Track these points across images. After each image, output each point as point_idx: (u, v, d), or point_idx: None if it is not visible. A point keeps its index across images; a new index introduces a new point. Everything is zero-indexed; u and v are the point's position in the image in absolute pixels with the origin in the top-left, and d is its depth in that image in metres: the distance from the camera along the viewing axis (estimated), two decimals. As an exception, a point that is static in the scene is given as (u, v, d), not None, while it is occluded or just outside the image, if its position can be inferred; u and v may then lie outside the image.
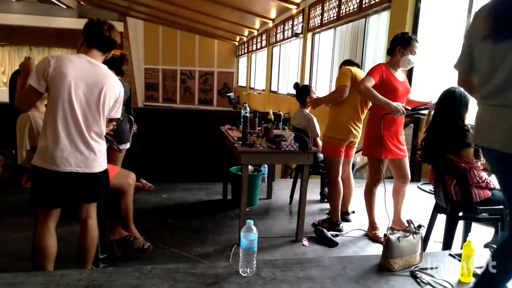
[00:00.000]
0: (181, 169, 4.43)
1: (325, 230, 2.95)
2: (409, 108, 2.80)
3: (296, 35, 9.07)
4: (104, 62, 3.40)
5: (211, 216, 3.40)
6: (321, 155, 3.36)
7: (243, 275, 1.44)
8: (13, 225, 2.98)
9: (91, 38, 2.04)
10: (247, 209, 3.04)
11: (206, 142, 4.35)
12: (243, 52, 15.89)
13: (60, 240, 2.64)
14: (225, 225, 3.22)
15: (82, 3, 15.28)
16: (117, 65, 3.32)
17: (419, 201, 3.87)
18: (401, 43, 2.78)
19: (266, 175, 4.09)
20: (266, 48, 12.27)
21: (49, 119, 1.87)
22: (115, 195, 2.45)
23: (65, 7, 14.59)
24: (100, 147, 1.99)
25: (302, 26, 8.89)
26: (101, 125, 1.99)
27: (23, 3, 14.72)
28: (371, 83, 2.71)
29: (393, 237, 1.52)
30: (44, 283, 1.33)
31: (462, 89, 2.41)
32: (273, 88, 11.74)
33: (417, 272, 1.48)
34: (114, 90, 2.04)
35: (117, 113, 2.11)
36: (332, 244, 2.82)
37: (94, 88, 1.94)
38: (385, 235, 1.58)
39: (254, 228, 1.45)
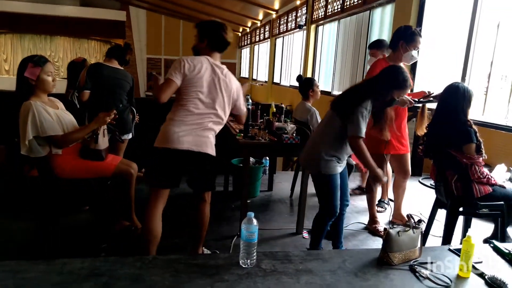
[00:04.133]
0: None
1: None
2: (417, 99, 2.78)
3: (300, 26, 9.00)
4: (108, 51, 3.39)
5: (212, 207, 3.39)
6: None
7: (244, 266, 1.45)
8: (16, 214, 3.01)
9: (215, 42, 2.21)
10: (248, 201, 3.05)
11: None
12: (246, 43, 15.80)
13: (61, 229, 2.68)
14: (226, 216, 3.23)
15: (85, -9, 15.17)
16: (122, 54, 3.31)
17: (419, 196, 3.88)
18: (404, 38, 2.75)
19: (267, 168, 4.10)
20: (269, 40, 12.19)
21: None
22: (116, 185, 2.47)
23: (68, -5, 14.51)
24: None
25: (306, 18, 8.82)
26: None
27: (26, -10, 14.62)
28: None
29: (393, 231, 1.53)
30: (46, 271, 1.34)
31: (465, 84, 2.40)
32: (276, 80, 11.69)
33: (416, 266, 1.49)
34: None
35: None
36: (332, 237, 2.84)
37: None
38: (385, 229, 1.59)
39: (254, 220, 1.46)
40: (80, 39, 16.38)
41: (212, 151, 2.21)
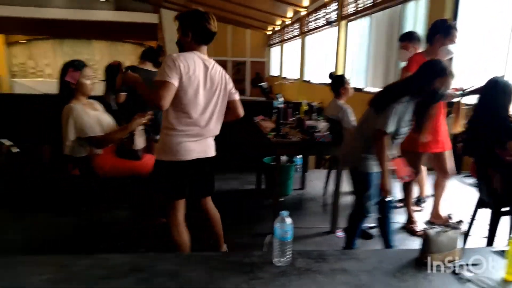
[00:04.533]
0: (215, 159, 4.51)
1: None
2: (464, 88, 2.68)
3: (330, 23, 8.86)
4: (142, 54, 3.49)
5: (245, 205, 3.45)
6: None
7: (278, 264, 1.45)
8: (59, 210, 3.17)
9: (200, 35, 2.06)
10: (281, 200, 3.06)
11: (239, 132, 4.39)
12: (275, 42, 15.77)
13: (102, 225, 2.79)
14: (259, 214, 3.26)
15: (118, -5, 15.69)
16: (155, 57, 3.40)
17: (460, 195, 3.73)
18: (441, 32, 2.66)
19: (299, 166, 4.08)
20: (299, 37, 12.10)
21: None
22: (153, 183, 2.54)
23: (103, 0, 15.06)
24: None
25: (336, 14, 8.68)
26: None
27: (64, -3, 15.31)
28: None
29: (432, 232, 1.48)
30: (90, 265, 1.40)
31: (505, 79, 2.29)
32: (306, 78, 11.59)
33: (457, 268, 1.44)
34: None
35: None
36: (367, 236, 2.79)
37: None
38: (423, 229, 1.54)
39: (288, 219, 1.46)
40: (115, 42, 16.99)
41: (214, 151, 2.21)
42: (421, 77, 2.10)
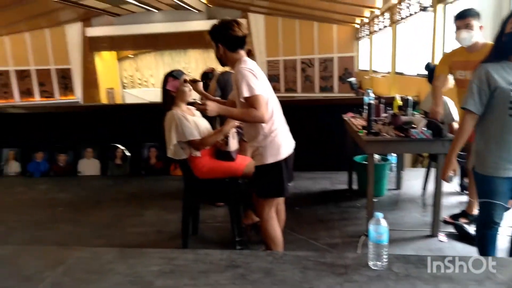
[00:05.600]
0: (304, 158, 4.51)
1: (466, 226, 2.65)
2: None
3: (424, 9, 8.18)
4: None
5: (336, 205, 3.39)
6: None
7: (373, 268, 1.40)
8: (166, 207, 3.50)
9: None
10: (374, 200, 2.93)
11: (328, 131, 4.32)
12: (364, 34, 15.12)
13: (201, 222, 3.01)
14: (351, 215, 3.17)
15: (209, 5, 16.65)
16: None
17: None
18: None
19: (394, 164, 3.87)
20: (389, 27, 11.41)
21: None
22: (247, 183, 2.65)
23: (196, 11, 16.13)
24: None
25: (432, -2, 7.97)
26: None
27: (163, 12, 16.80)
28: None
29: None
30: (193, 260, 1.53)
31: None
32: (399, 70, 10.88)
33: None
34: None
35: None
36: (474, 241, 2.52)
37: None
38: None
39: (384, 221, 1.40)
40: (208, 49, 18.09)
41: None
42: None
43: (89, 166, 4.86)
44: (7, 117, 5.24)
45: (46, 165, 4.90)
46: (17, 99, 16.44)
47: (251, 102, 1.96)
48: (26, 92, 16.54)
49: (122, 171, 4.79)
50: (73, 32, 16.64)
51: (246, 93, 1.95)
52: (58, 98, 16.89)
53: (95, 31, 16.96)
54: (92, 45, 17.07)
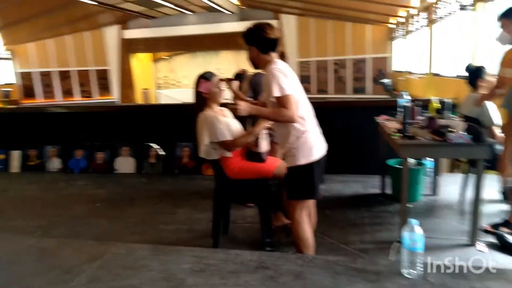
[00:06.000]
0: (336, 161, 4.45)
1: (507, 236, 2.52)
2: None
3: (463, 7, 7.85)
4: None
5: (368, 210, 3.32)
6: (499, 147, 2.86)
7: (407, 276, 1.36)
8: (197, 206, 3.56)
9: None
10: (409, 205, 2.85)
11: (361, 133, 4.24)
12: (399, 35, 14.70)
13: (232, 222, 3.04)
14: (384, 220, 3.10)
15: (242, 7, 16.77)
16: (286, 62, 3.54)
17: None
18: None
19: (430, 169, 3.74)
20: (426, 27, 11.03)
21: None
22: (277, 185, 2.65)
23: (229, 13, 16.30)
24: None
25: (473, -4, 7.63)
26: None
27: (196, 15, 17.10)
28: None
29: None
30: (224, 259, 1.55)
31: None
32: (436, 71, 10.49)
33: None
34: None
35: None
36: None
37: None
38: None
39: (418, 228, 1.36)
40: (240, 51, 18.25)
41: None
42: None
43: (124, 164, 5.03)
44: (49, 116, 5.53)
45: (85, 162, 5.13)
46: (59, 98, 17.27)
47: (282, 101, 1.99)
48: (67, 92, 17.34)
49: (156, 169, 4.92)
50: (111, 35, 17.28)
51: (276, 93, 1.99)
52: (97, 98, 17.60)
53: (131, 34, 17.52)
54: (128, 47, 17.65)
